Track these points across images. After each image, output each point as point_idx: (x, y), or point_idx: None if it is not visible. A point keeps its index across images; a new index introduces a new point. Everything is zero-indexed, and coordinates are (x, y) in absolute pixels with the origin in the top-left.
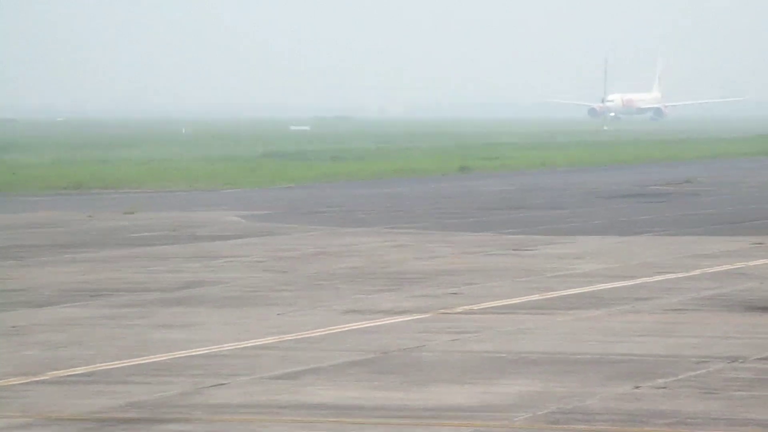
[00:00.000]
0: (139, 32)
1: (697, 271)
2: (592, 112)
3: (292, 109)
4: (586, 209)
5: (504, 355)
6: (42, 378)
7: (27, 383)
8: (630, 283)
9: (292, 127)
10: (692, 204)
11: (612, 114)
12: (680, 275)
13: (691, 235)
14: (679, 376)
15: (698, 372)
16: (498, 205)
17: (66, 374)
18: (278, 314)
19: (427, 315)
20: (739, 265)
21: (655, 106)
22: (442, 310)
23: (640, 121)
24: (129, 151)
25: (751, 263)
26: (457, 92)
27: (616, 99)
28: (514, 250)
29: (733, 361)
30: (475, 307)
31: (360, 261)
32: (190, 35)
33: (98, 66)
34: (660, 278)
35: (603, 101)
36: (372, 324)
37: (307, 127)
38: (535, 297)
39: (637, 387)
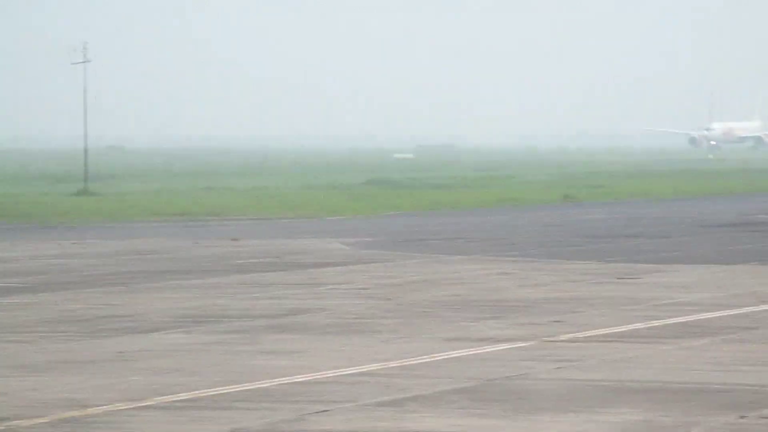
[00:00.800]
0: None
1: None
2: (693, 141)
3: (398, 140)
4: (691, 238)
5: (607, 383)
6: (147, 403)
7: (132, 408)
8: (735, 312)
9: (396, 156)
10: None
11: (713, 143)
12: None
13: None
14: None
15: None
16: (602, 234)
17: (170, 400)
18: (381, 342)
19: (530, 343)
20: None
21: (756, 134)
22: (546, 338)
23: (740, 150)
24: (232, 180)
25: None
26: (559, 121)
27: (717, 128)
28: (618, 278)
29: None
30: (578, 335)
31: (463, 289)
32: (282, 59)
33: (190, 94)
34: (766, 308)
35: (706, 130)
36: (475, 352)
37: (411, 155)
38: (639, 326)
39: (742, 417)
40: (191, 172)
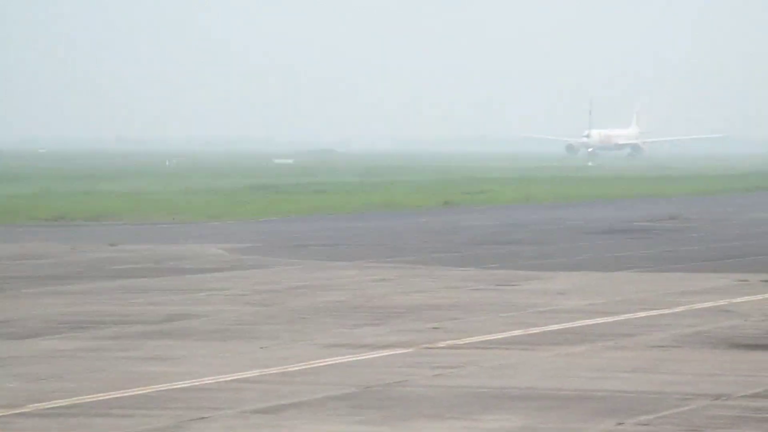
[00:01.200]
0: (123, 63)
1: (682, 308)
2: (570, 147)
3: (278, 144)
4: (570, 245)
5: (486, 390)
6: (23, 410)
7: (8, 415)
8: (613, 320)
9: (276, 161)
10: (677, 240)
11: (590, 149)
12: (664, 311)
13: (676, 272)
14: (663, 413)
15: (682, 409)
16: (482, 240)
17: (47, 407)
18: (261, 348)
19: (409, 350)
20: (723, 302)
21: (633, 142)
22: (425, 345)
23: (617, 157)
24: (112, 184)
25: (736, 300)
26: (442, 126)
27: (594, 135)
28: (497, 285)
29: (716, 399)
30: (458, 342)
31: (343, 295)
32: (175, 68)
33: (80, 97)
34: (644, 315)
35: (586, 137)
36: (355, 358)
37: (290, 161)
38: (518, 332)
39: (619, 424)
40: (70, 176)
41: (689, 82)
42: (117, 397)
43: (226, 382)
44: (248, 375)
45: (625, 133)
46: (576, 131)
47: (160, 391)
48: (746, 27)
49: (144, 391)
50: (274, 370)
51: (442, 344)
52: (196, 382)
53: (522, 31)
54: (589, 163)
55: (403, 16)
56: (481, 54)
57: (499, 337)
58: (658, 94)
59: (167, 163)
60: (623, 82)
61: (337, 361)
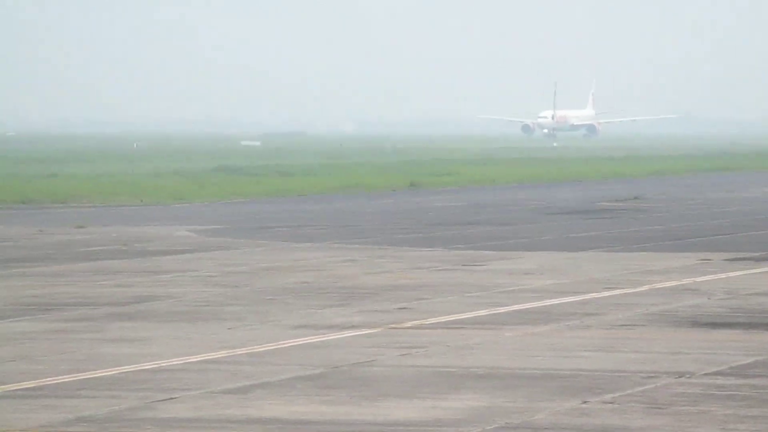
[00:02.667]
0: (88, 46)
1: (646, 287)
2: (526, 128)
3: (245, 125)
4: (535, 225)
5: (453, 370)
6: None
7: None
8: (578, 299)
9: (243, 143)
10: (640, 220)
11: (545, 130)
12: (628, 291)
13: (640, 251)
14: (627, 392)
15: (645, 387)
16: (447, 221)
17: (14, 388)
18: (228, 329)
19: (376, 330)
20: (686, 281)
21: (589, 122)
22: (392, 326)
23: (573, 137)
24: (79, 166)
25: (699, 279)
26: (404, 108)
27: (548, 115)
28: (463, 265)
29: (680, 377)
30: (424, 322)
31: (310, 276)
32: (141, 49)
33: (46, 80)
34: (608, 294)
35: (541, 117)
36: (321, 339)
37: (258, 143)
38: (484, 312)
39: (585, 402)
40: (36, 159)
41: (648, 63)
42: (84, 379)
43: (193, 362)
44: (216, 356)
45: (580, 114)
46: (529, 113)
47: (128, 372)
48: (704, 3)
49: (111, 373)
50: (241, 351)
51: (408, 324)
52: (163, 363)
53: (480, 12)
54: (554, 144)
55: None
56: (437, 36)
57: (465, 317)
58: (615, 75)
59: (135, 145)
60: (580, 63)
61: (304, 342)
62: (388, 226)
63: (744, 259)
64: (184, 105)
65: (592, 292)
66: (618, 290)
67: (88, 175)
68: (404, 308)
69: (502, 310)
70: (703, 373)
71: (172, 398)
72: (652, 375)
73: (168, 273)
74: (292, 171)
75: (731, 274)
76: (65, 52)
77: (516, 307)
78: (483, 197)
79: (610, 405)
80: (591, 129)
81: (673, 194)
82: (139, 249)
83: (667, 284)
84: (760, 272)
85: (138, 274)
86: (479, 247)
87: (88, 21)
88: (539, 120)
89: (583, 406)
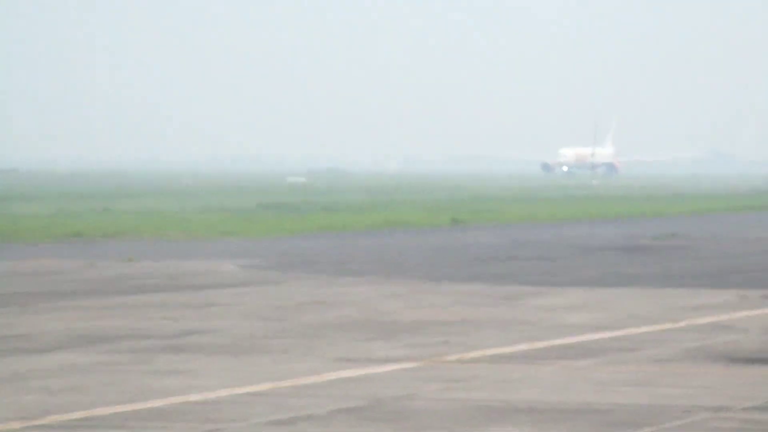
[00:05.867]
0: (125, 85)
1: (683, 323)
2: (546, 167)
3: (287, 162)
4: (574, 262)
5: (493, 404)
6: (41, 422)
7: (26, 427)
8: (616, 334)
9: (289, 179)
10: (677, 257)
11: (565, 168)
12: (666, 327)
13: (677, 288)
14: (665, 425)
15: (683, 421)
16: (488, 257)
17: (65, 419)
18: (272, 362)
19: (418, 364)
20: (723, 317)
21: (608, 161)
22: (434, 359)
23: (593, 176)
24: (129, 202)
25: (736, 315)
26: (434, 146)
27: (569, 154)
28: (504, 300)
29: (717, 411)
30: (465, 356)
31: (353, 310)
32: (178, 86)
33: (93, 117)
34: (646, 329)
35: (564, 158)
36: (364, 372)
37: (303, 179)
38: (524, 347)
39: None
40: (87, 194)
41: (668, 101)
42: (132, 410)
43: (238, 395)
44: (260, 388)
45: (600, 152)
46: (544, 152)
47: (175, 403)
48: (725, 48)
49: (159, 404)
50: (285, 384)
51: (449, 358)
52: (209, 395)
53: (497, 48)
54: (593, 182)
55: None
56: (458, 72)
57: (506, 351)
58: (635, 113)
59: (184, 183)
60: (598, 99)
61: (346, 375)
62: (430, 262)
63: None
64: (230, 142)
65: (631, 327)
66: (656, 326)
67: (138, 211)
68: (446, 342)
69: (541, 344)
70: (740, 407)
71: (218, 429)
72: (690, 409)
73: (214, 306)
74: (337, 207)
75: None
76: (113, 89)
77: (556, 341)
78: (523, 234)
79: None
80: (610, 167)
81: (710, 231)
82: (186, 283)
83: (705, 320)
84: None
85: (185, 307)
86: (520, 283)
87: (141, 54)
88: (559, 159)
89: None
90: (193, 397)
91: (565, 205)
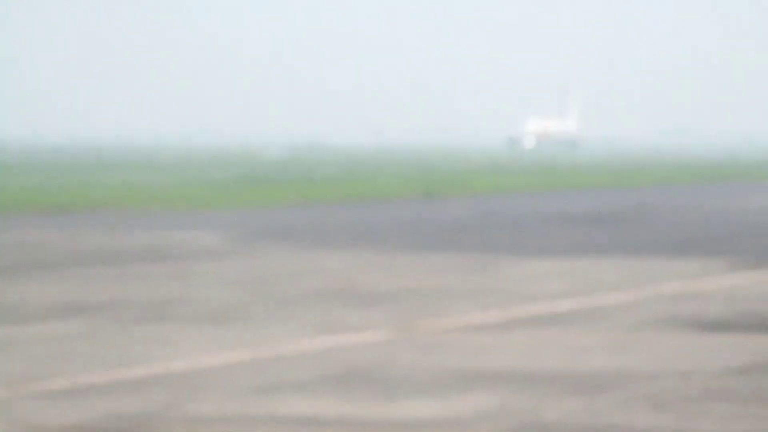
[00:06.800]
0: (107, 57)
1: (651, 291)
2: (511, 140)
3: (266, 137)
4: (546, 231)
5: (468, 371)
6: (25, 390)
7: (11, 396)
8: (587, 302)
9: (264, 153)
10: (645, 227)
11: (530, 141)
12: (635, 295)
13: (646, 256)
14: (633, 391)
15: (652, 386)
16: (462, 228)
17: (47, 388)
18: (252, 331)
19: (394, 332)
20: (690, 285)
21: (571, 135)
22: (409, 328)
23: (557, 149)
24: (109, 175)
25: (702, 283)
26: (414, 119)
27: (533, 127)
28: (477, 269)
29: (684, 376)
30: (440, 324)
31: (330, 280)
32: (162, 61)
33: (76, 91)
34: (615, 297)
35: (526, 131)
36: (341, 340)
37: (276, 152)
38: (498, 315)
39: (591, 400)
40: (67, 168)
41: (634, 74)
42: (116, 378)
43: (219, 363)
44: (241, 357)
45: (563, 126)
46: (510, 124)
47: (157, 372)
48: (697, 20)
49: (141, 372)
50: (265, 352)
51: (425, 326)
52: (191, 364)
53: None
54: (560, 155)
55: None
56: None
57: (479, 319)
58: (600, 86)
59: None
60: (561, 72)
61: (324, 344)
62: (404, 232)
63: (746, 266)
64: (205, 116)
65: (600, 295)
66: (625, 294)
67: (116, 184)
68: (421, 311)
69: (514, 312)
70: (707, 372)
71: (198, 397)
72: (658, 374)
73: (195, 277)
74: (313, 180)
75: (733, 279)
76: (96, 65)
77: (528, 309)
78: (494, 205)
79: (617, 404)
80: (573, 141)
81: (676, 202)
82: (167, 254)
83: (672, 288)
84: (760, 278)
85: (167, 277)
86: (493, 252)
87: (100, 32)
88: (525, 132)
89: (591, 404)
90: (174, 365)
91: (534, 176)
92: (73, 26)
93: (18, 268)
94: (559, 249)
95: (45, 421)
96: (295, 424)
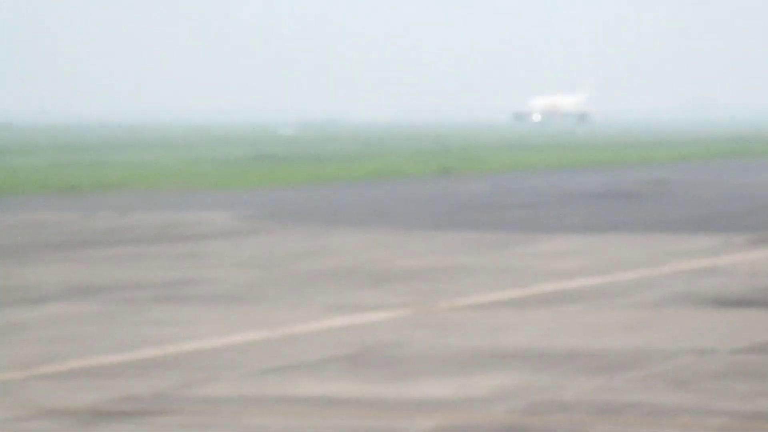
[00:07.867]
0: (121, 38)
1: (670, 268)
2: (518, 116)
3: (279, 114)
4: (562, 208)
5: (484, 350)
6: (38, 371)
7: (25, 378)
8: (605, 280)
9: (280, 131)
10: (664, 203)
11: (538, 117)
12: (653, 271)
13: (664, 233)
14: (652, 369)
15: (671, 364)
16: (478, 205)
17: (61, 368)
18: (266, 311)
19: (409, 311)
20: (709, 261)
21: (581, 109)
22: (424, 307)
23: (565, 124)
24: (122, 155)
25: (721, 260)
26: (430, 99)
27: (541, 102)
28: (494, 248)
29: (702, 354)
30: (455, 303)
31: (344, 259)
32: (177, 42)
33: (89, 70)
34: (634, 275)
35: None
36: (355, 320)
37: (293, 131)
38: (514, 293)
39: (610, 379)
40: (80, 147)
41: (647, 48)
42: (128, 359)
43: (231, 344)
44: (253, 337)
45: (572, 101)
46: (515, 101)
47: (169, 353)
48: None
49: (154, 353)
50: (278, 332)
51: (440, 305)
52: (203, 344)
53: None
54: (575, 130)
55: None
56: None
57: (496, 297)
58: (619, 60)
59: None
60: (574, 45)
61: (338, 323)
62: (419, 211)
63: (766, 240)
64: (221, 95)
65: (618, 273)
66: (643, 271)
67: (131, 164)
68: (436, 289)
69: (531, 291)
70: (726, 350)
71: (212, 377)
72: (677, 352)
73: (208, 257)
74: (328, 158)
75: (754, 254)
76: (103, 45)
77: (545, 288)
78: (510, 182)
79: (635, 382)
80: (584, 115)
81: (695, 177)
82: (180, 234)
83: (691, 265)
84: None
85: (179, 257)
86: (509, 230)
87: (117, 16)
88: (532, 108)
89: (609, 382)
90: (188, 346)
91: (548, 153)
92: (91, 4)
93: (32, 248)
94: (577, 226)
95: (59, 403)
96: (309, 405)
